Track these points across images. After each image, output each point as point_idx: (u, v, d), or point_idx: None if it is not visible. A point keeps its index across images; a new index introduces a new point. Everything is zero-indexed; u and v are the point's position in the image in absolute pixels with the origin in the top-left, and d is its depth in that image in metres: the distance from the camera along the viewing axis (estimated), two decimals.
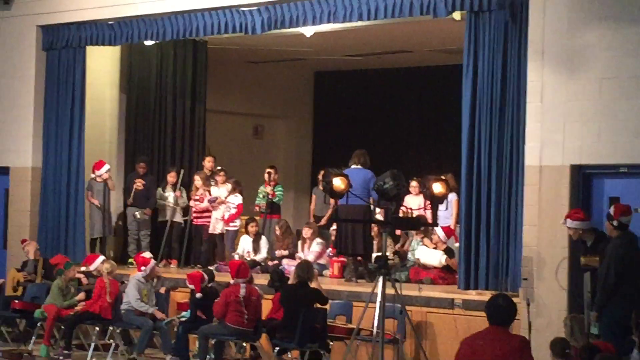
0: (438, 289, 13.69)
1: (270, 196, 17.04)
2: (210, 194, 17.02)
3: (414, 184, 15.89)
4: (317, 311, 12.44)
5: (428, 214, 15.18)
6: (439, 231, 14.79)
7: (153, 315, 13.90)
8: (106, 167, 17.03)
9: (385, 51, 19.28)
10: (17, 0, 17.43)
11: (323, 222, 16.79)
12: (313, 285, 12.83)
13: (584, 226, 11.36)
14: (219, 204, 16.86)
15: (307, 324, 12.16)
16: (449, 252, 14.77)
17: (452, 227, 15.31)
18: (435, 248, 14.87)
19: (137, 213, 17.30)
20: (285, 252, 16.35)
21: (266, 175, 17.22)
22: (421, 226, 14.33)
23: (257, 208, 17.31)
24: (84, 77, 17.12)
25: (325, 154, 21.44)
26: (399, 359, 12.18)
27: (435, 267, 14.72)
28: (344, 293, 13.55)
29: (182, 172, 17.61)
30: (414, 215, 13.21)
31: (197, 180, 17.20)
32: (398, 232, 16.04)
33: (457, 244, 14.63)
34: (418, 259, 15.01)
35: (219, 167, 17.60)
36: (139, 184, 17.35)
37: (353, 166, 14.59)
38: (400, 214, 13.79)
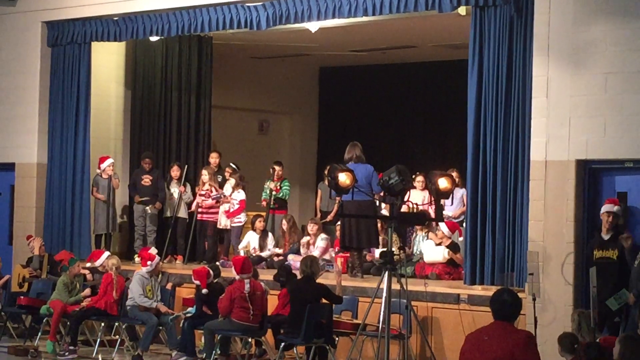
0: (444, 284, 13.68)
1: (274, 192, 17.01)
2: (216, 190, 16.99)
3: (419, 178, 15.86)
4: (323, 306, 12.42)
5: (432, 209, 15.16)
6: (442, 226, 14.77)
7: (158, 310, 13.90)
8: (109, 161, 17.02)
9: (390, 46, 19.26)
10: None
11: (330, 218, 16.76)
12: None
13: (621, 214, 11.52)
14: (223, 200, 16.84)
15: (312, 319, 12.14)
16: (454, 246, 14.74)
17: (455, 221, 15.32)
18: (440, 243, 14.84)
19: (147, 208, 17.29)
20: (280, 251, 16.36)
21: (271, 171, 17.20)
22: (426, 221, 14.29)
23: (263, 203, 17.32)
24: (89, 73, 17.13)
25: (331, 149, 21.36)
26: (405, 354, 12.14)
27: (440, 263, 14.70)
28: (349, 288, 13.53)
29: (185, 167, 17.61)
30: (419, 211, 13.18)
31: (205, 175, 17.14)
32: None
33: (461, 239, 14.61)
34: (422, 254, 15.01)
35: (230, 164, 17.59)
36: (146, 180, 17.34)
37: (351, 163, 14.45)
38: (405, 209, 13.77)
